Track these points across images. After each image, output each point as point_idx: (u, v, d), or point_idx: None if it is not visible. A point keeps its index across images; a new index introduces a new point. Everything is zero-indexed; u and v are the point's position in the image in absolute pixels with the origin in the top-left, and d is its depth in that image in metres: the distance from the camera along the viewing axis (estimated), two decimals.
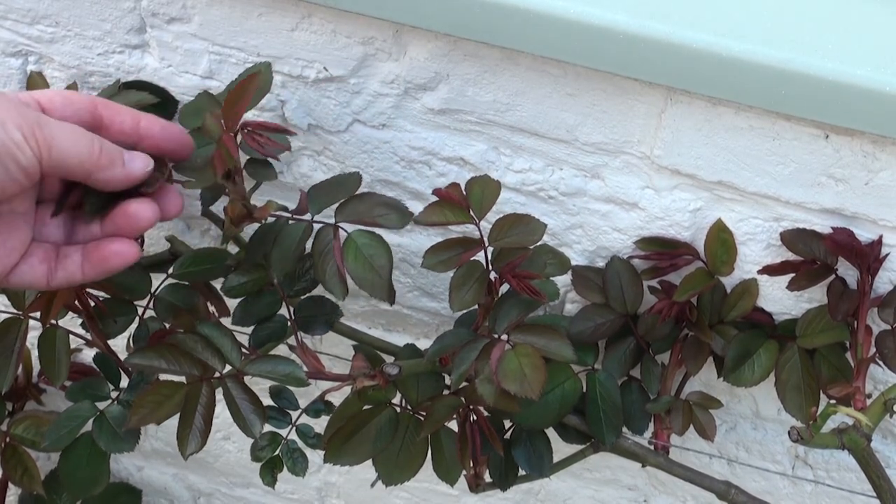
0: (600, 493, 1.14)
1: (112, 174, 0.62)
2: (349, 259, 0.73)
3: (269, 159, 0.76)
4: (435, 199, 0.75)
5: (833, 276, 0.85)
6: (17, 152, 0.57)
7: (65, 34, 0.89)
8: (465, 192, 0.75)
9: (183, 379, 0.70)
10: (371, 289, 0.73)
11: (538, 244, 0.76)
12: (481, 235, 0.75)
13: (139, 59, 0.90)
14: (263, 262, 0.82)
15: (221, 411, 1.14)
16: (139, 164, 0.64)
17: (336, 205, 0.75)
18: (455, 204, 0.75)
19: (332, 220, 0.75)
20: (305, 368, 0.72)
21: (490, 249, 0.75)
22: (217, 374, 0.67)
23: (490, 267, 0.75)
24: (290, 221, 0.75)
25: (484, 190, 0.76)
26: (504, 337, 0.74)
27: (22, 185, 0.58)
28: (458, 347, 0.75)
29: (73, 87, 0.86)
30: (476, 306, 0.79)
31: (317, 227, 0.75)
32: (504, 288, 0.77)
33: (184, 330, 0.72)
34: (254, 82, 0.69)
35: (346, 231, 0.74)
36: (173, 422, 1.02)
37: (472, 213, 0.75)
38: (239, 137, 0.71)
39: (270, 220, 0.76)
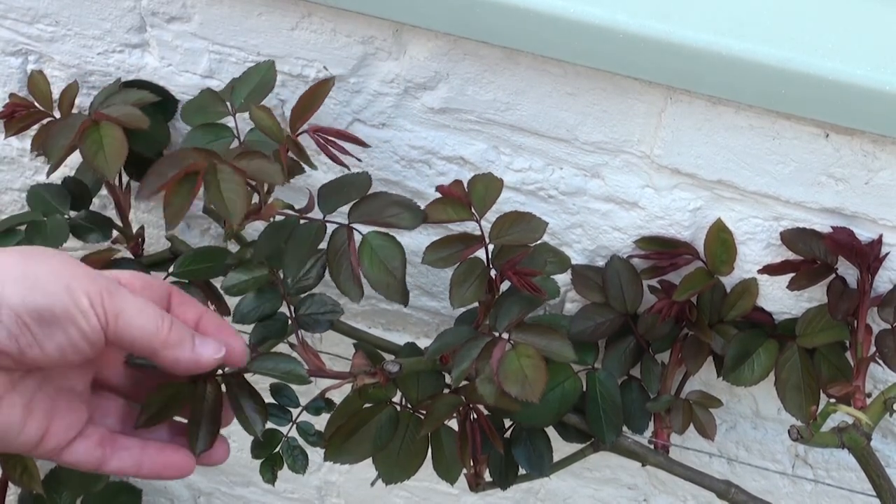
0: (600, 493, 1.14)
1: (180, 354, 0.60)
2: (364, 261, 0.73)
3: None
4: (434, 199, 0.75)
5: (833, 276, 0.85)
6: (82, 319, 0.55)
7: (65, 33, 0.89)
8: (467, 190, 0.75)
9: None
10: (386, 291, 0.73)
11: (538, 242, 0.76)
12: (482, 232, 0.75)
13: (139, 58, 0.90)
14: (267, 260, 0.83)
15: None
16: (210, 351, 0.62)
17: (348, 205, 0.75)
18: (457, 201, 0.75)
19: (343, 220, 0.75)
20: (306, 366, 0.72)
21: (491, 247, 0.75)
22: (219, 372, 0.67)
23: (490, 264, 0.75)
24: (302, 221, 0.75)
25: (487, 187, 0.76)
26: (505, 336, 0.74)
27: (84, 353, 0.56)
28: (458, 345, 0.75)
29: (73, 86, 0.85)
30: (476, 305, 0.79)
31: (329, 227, 0.75)
32: (504, 287, 0.77)
33: None
34: (325, 87, 0.72)
35: (360, 232, 0.74)
36: None
37: (473, 210, 0.75)
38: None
39: (278, 218, 0.76)
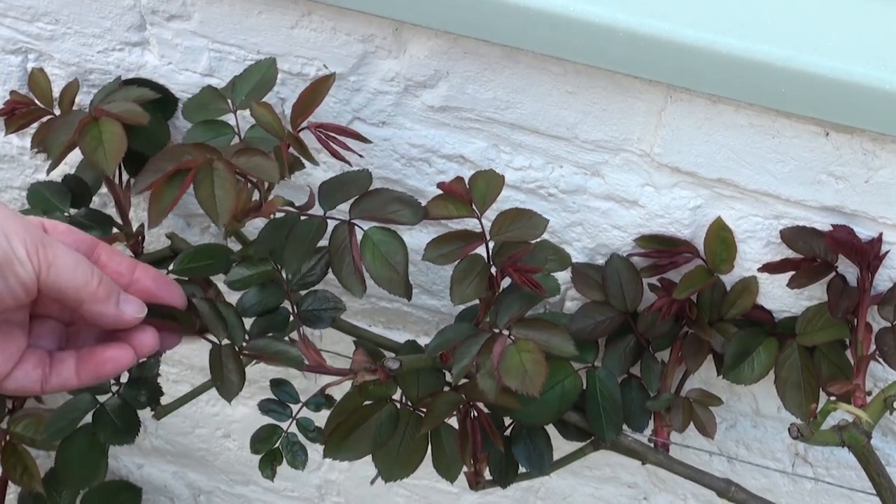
0: (600, 491, 1.14)
1: (104, 309, 0.63)
2: (367, 256, 0.73)
3: None
4: (435, 195, 0.75)
5: (833, 274, 0.85)
6: (19, 266, 0.58)
7: (65, 32, 0.89)
8: (468, 186, 0.75)
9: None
10: (389, 285, 0.73)
11: (539, 240, 0.76)
12: (483, 229, 0.75)
13: (139, 56, 0.90)
14: (270, 256, 0.83)
15: (221, 409, 1.15)
16: (131, 309, 0.65)
17: (348, 202, 0.75)
18: (458, 198, 0.75)
19: (344, 217, 0.75)
20: (307, 362, 0.73)
21: (491, 244, 0.75)
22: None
23: (491, 261, 0.76)
24: (302, 217, 0.75)
25: (488, 185, 0.76)
26: (505, 332, 0.74)
27: (19, 299, 0.59)
28: (459, 342, 0.75)
29: (74, 84, 0.86)
30: (476, 302, 0.79)
31: (330, 223, 0.75)
32: (505, 284, 0.77)
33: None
34: (326, 83, 0.72)
35: (361, 228, 0.74)
36: (173, 419, 1.03)
37: (474, 207, 0.75)
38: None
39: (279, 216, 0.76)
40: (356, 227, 0.74)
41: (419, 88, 0.84)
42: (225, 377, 0.72)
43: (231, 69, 0.87)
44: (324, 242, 0.76)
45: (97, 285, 0.62)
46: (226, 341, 0.74)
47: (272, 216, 0.75)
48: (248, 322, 0.85)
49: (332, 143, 0.74)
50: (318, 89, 0.74)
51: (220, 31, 0.85)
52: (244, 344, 0.75)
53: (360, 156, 0.78)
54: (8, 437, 1.03)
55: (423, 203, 0.75)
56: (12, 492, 1.16)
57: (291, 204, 0.76)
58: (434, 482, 1.18)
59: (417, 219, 0.74)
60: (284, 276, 0.83)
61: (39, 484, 1.03)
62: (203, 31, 0.86)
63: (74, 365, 0.66)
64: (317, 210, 0.75)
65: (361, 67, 0.84)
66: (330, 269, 0.77)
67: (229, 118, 0.83)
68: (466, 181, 0.76)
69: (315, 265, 0.84)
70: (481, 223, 0.75)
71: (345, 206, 0.76)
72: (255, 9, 0.83)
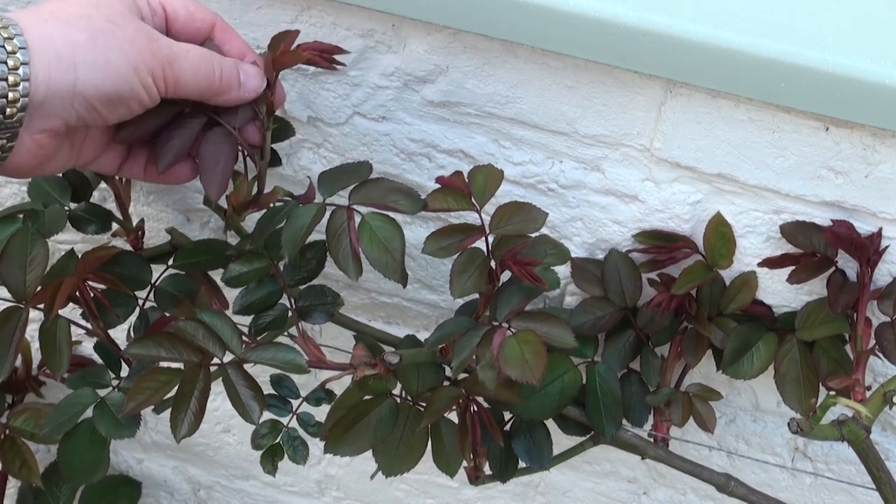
0: (600, 486, 1.14)
1: (227, 98, 0.69)
2: (364, 240, 0.73)
3: (273, 148, 0.77)
4: (434, 189, 0.75)
5: (833, 269, 0.85)
6: (145, 95, 0.64)
7: None
8: (467, 180, 0.76)
9: (181, 366, 0.70)
10: (385, 270, 0.73)
11: (538, 233, 0.76)
12: (482, 223, 0.75)
13: None
14: (264, 250, 0.83)
15: (221, 403, 1.14)
16: (252, 86, 0.70)
17: (348, 189, 0.75)
18: (457, 191, 0.75)
19: (344, 203, 0.75)
20: (306, 357, 0.73)
21: (491, 238, 0.75)
22: (217, 362, 0.68)
23: (490, 255, 0.76)
24: (301, 205, 0.75)
25: (487, 179, 0.76)
26: (505, 324, 0.74)
27: (135, 113, 0.65)
28: (458, 335, 0.75)
29: None
30: (476, 297, 0.79)
31: (329, 209, 0.75)
32: (505, 278, 0.77)
33: (184, 318, 0.73)
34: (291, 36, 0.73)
35: (360, 213, 0.74)
36: None
37: (473, 200, 0.75)
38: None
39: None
40: (355, 212, 0.74)
41: (419, 83, 0.84)
42: (245, 404, 0.71)
43: None
44: (320, 237, 0.76)
45: (219, 81, 0.67)
46: (228, 355, 0.73)
47: (272, 206, 0.75)
48: (247, 319, 0.85)
49: (316, 58, 0.74)
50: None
51: None
52: (247, 356, 0.73)
53: (344, 64, 0.78)
54: (7, 431, 1.03)
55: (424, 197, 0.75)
56: (12, 486, 1.16)
57: (291, 195, 0.76)
58: (434, 476, 1.18)
59: (416, 208, 0.74)
60: (282, 270, 0.84)
61: (38, 478, 1.03)
62: None
63: (144, 162, 0.73)
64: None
65: (361, 62, 0.84)
66: (325, 266, 0.76)
67: None
68: (465, 176, 0.76)
69: (311, 258, 0.84)
70: (481, 217, 0.75)
71: (344, 194, 0.76)
72: (254, 4, 0.83)
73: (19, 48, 0.58)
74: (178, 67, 0.64)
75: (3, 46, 0.58)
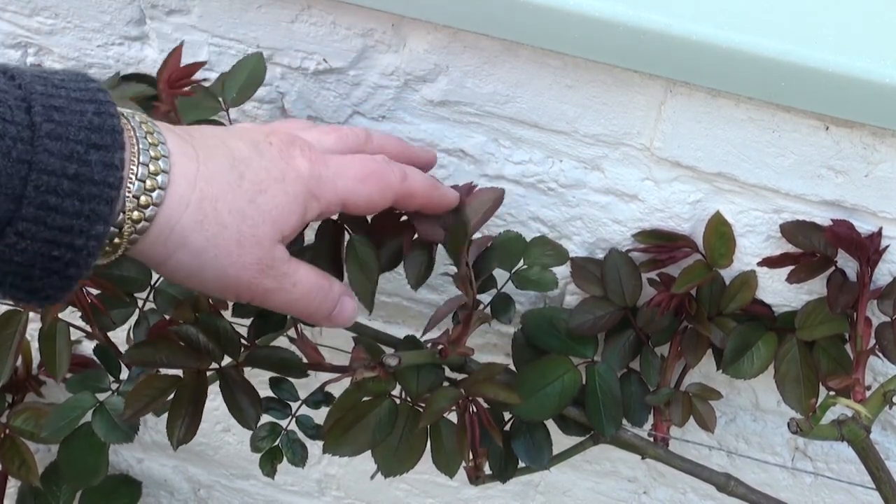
0: (600, 486, 1.14)
1: (316, 320, 0.66)
2: (349, 259, 0.74)
3: None
4: None
5: (833, 268, 0.85)
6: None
7: (64, 26, 0.89)
8: None
9: (180, 372, 0.70)
10: (359, 290, 0.73)
11: (538, 236, 0.76)
12: None
13: (139, 50, 0.90)
14: None
15: (221, 403, 1.14)
16: (346, 317, 0.68)
17: None
18: None
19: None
20: (305, 360, 0.72)
21: None
22: (216, 366, 0.68)
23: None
24: None
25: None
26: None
27: None
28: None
29: None
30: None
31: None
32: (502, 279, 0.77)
33: (183, 321, 0.72)
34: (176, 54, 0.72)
35: (349, 232, 0.74)
36: None
37: None
38: None
39: None
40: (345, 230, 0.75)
41: (419, 83, 0.84)
42: (243, 410, 0.71)
43: (231, 63, 0.87)
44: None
45: (310, 316, 0.66)
46: (226, 359, 0.73)
47: None
48: (247, 319, 0.85)
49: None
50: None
51: (220, 26, 0.85)
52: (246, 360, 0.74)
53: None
54: (7, 431, 1.03)
55: None
56: (12, 486, 1.16)
57: None
58: (434, 476, 1.18)
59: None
60: None
61: (37, 478, 1.03)
62: (203, 26, 0.86)
63: None
64: None
65: (361, 62, 0.84)
66: None
67: (222, 116, 0.83)
68: (462, 182, 0.76)
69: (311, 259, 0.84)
70: None
71: None
72: (254, 3, 0.83)
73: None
74: (271, 300, 0.62)
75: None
